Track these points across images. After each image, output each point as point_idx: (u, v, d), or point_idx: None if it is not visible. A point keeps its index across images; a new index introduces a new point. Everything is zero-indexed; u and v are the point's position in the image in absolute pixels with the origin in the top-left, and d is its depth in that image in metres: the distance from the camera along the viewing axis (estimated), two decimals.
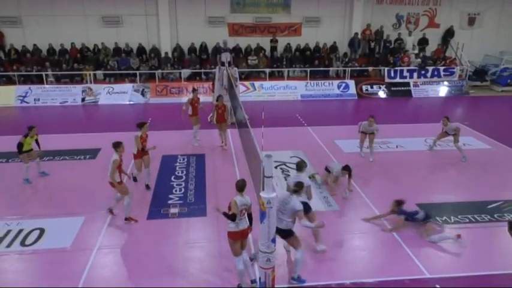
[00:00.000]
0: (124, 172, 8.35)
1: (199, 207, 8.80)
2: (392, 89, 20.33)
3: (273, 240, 5.82)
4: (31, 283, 6.44)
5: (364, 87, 20.19)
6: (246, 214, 6.25)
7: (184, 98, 18.72)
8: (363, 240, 7.81)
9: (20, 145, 9.84)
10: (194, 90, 13.13)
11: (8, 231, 7.77)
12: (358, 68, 21.04)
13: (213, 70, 17.44)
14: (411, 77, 20.60)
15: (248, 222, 6.32)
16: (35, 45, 20.00)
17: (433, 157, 11.93)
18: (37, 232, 7.74)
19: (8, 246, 7.36)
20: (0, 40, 20.03)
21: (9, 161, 11.25)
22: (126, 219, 8.20)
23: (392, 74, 20.56)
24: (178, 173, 10.61)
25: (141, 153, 9.36)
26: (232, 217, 6.01)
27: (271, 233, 5.77)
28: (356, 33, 21.45)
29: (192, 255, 7.20)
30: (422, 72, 20.65)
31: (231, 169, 10.84)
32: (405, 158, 11.75)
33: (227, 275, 6.65)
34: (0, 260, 7.03)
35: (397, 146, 12.66)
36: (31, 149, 10.07)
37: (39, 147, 10.40)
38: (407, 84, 20.46)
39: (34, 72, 19.18)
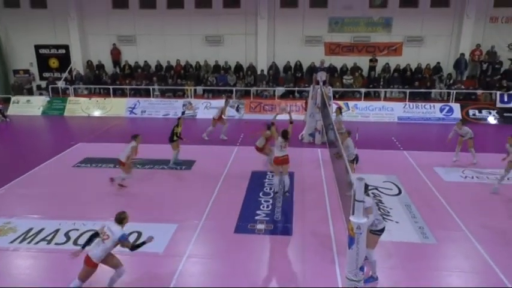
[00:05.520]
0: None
1: (286, 226, 8.72)
2: (505, 115, 18.47)
3: (361, 268, 5.52)
4: (126, 284, 6.86)
5: (471, 112, 18.60)
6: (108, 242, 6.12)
7: (277, 116, 18.98)
8: (463, 280, 7.00)
9: (172, 134, 11.97)
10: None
11: None
12: (464, 91, 19.47)
13: (307, 88, 17.46)
14: None
15: (98, 253, 6.13)
16: (145, 61, 22.00)
17: None
18: (135, 235, 8.25)
19: None
20: (117, 57, 22.41)
21: (116, 166, 12.29)
22: (119, 184, 10.35)
23: (505, 99, 18.68)
24: (266, 189, 10.66)
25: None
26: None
27: (359, 260, 5.47)
28: (462, 54, 19.93)
29: (275, 274, 7.10)
30: None
31: (319, 188, 10.63)
32: None
33: None
34: None
35: (508, 179, 11.31)
36: (179, 138, 12.06)
37: (181, 139, 12.20)
38: None
39: (143, 86, 21.01)
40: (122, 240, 6.14)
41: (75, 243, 7.99)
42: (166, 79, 21.39)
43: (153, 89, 20.83)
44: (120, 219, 6.27)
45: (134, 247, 6.28)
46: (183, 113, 19.73)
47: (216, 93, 20.83)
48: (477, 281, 6.91)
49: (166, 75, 21.56)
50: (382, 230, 6.86)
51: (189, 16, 21.49)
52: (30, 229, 8.50)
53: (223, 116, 15.14)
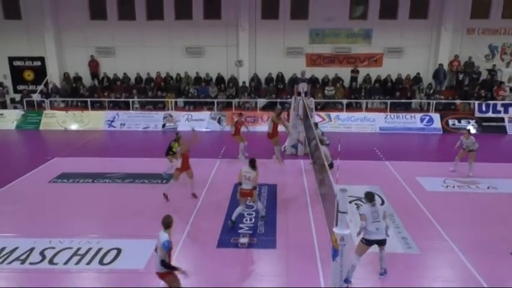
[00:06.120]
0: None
1: (269, 239, 8.55)
2: (484, 124, 18.80)
3: (346, 281, 5.44)
4: None
5: (450, 121, 18.91)
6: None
7: (259, 127, 18.97)
8: None
9: (169, 148, 12.02)
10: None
11: (89, 249, 8.10)
12: (443, 101, 19.82)
13: (289, 100, 17.46)
14: (506, 111, 18.91)
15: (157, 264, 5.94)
16: (125, 73, 21.68)
17: None
18: (114, 252, 7.98)
19: (88, 263, 7.65)
20: (95, 69, 22.01)
21: (95, 181, 11.98)
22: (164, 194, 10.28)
23: (483, 108, 19.07)
24: (249, 202, 10.45)
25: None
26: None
27: (343, 272, 5.41)
28: (441, 65, 20.32)
29: None
30: None
31: (302, 201, 10.52)
32: (498, 201, 10.57)
33: None
34: (80, 277, 7.31)
35: (488, 187, 11.47)
36: (175, 153, 11.71)
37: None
38: (502, 119, 18.82)
39: (122, 99, 20.65)
40: (163, 248, 5.81)
41: (50, 262, 7.67)
42: (146, 91, 21.08)
43: (133, 102, 20.49)
44: (167, 223, 6.02)
45: (166, 263, 5.90)
46: (163, 125, 19.46)
47: (198, 105, 20.65)
48: None
49: (146, 88, 21.25)
50: (370, 242, 6.86)
51: (169, 27, 21.34)
52: (3, 248, 8.12)
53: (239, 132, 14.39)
